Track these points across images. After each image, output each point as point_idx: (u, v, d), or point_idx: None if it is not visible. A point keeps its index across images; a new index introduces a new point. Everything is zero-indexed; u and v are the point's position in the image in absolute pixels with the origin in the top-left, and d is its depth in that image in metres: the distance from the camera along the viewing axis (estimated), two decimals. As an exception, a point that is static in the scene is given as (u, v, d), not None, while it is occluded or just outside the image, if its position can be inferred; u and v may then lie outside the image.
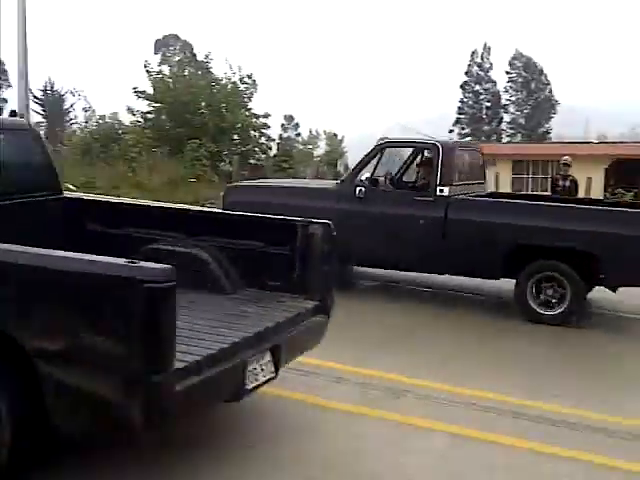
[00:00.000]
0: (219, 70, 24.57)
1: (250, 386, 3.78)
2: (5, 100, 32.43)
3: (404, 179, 8.55)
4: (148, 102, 21.94)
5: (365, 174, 7.97)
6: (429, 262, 7.70)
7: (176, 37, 66.72)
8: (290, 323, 4.13)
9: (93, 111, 29.89)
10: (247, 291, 4.58)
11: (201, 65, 27.00)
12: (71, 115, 58.05)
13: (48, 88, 59.93)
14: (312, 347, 4.47)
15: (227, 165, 22.41)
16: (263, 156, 24.28)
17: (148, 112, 22.13)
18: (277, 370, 4.01)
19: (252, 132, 23.87)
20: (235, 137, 23.18)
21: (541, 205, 7.87)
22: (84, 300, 3.14)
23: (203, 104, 20.68)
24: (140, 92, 21.78)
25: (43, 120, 56.40)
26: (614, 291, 7.41)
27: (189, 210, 5.76)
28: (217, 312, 4.10)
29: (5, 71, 54.92)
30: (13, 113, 18.43)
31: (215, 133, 21.21)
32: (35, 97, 54.54)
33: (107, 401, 3.19)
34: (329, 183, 8.90)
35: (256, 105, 23.59)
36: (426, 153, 8.17)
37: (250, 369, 3.76)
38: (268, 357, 3.95)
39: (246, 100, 23.48)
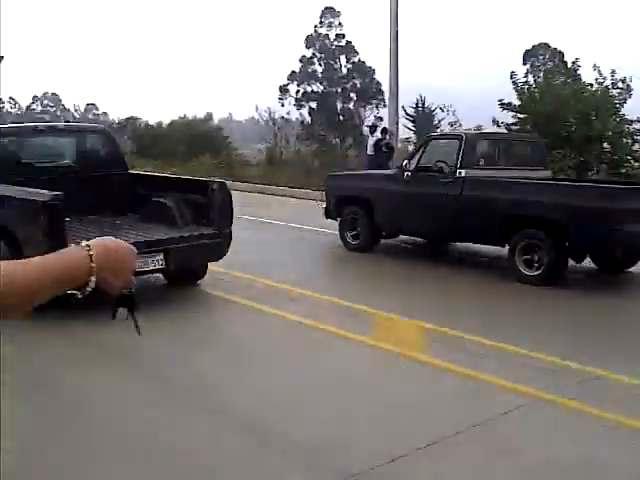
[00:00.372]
0: (589, 76, 23.71)
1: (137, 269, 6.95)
2: (381, 118, 35.76)
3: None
4: (513, 114, 22.23)
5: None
6: (450, 231, 9.67)
7: (546, 46, 67.39)
8: (180, 239, 7.20)
9: (460, 125, 31.61)
10: (191, 226, 7.70)
11: (569, 73, 25.89)
12: (439, 130, 61.86)
13: (419, 105, 65.13)
14: (210, 257, 7.46)
15: (595, 175, 21.83)
16: (637, 164, 22.58)
17: (512, 124, 22.29)
18: (168, 264, 7.10)
19: (624, 139, 21.90)
20: (605, 145, 21.83)
21: (522, 182, 9.23)
22: (20, 209, 6.72)
23: (571, 113, 20.54)
24: (506, 104, 22.04)
25: (412, 135, 62.02)
26: (578, 261, 8.76)
27: (169, 177, 9.08)
28: (140, 233, 7.33)
29: (381, 91, 61.96)
30: (384, 130, 21.41)
31: (582, 142, 20.63)
32: (407, 114, 59.94)
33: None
34: (393, 171, 11.15)
35: (630, 110, 22.19)
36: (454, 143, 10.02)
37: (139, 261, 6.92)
38: (160, 256, 7.07)
39: (618, 106, 21.93)
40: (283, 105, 62.68)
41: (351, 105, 64.41)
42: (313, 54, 63.19)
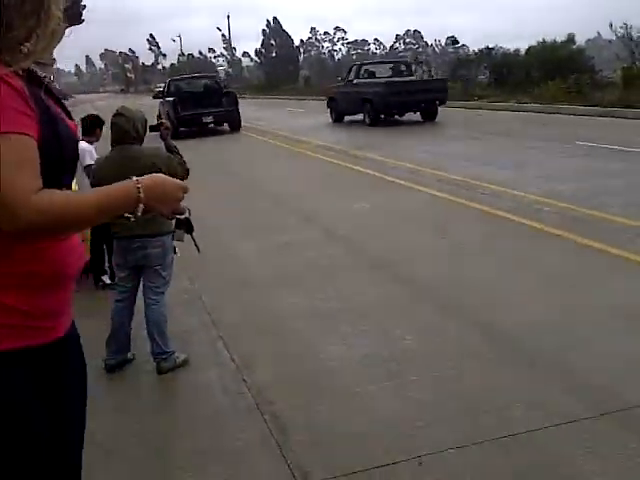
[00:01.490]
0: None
1: (204, 121, 24.00)
2: None
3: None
4: None
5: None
6: (355, 110, 24.10)
7: None
8: (218, 110, 23.81)
9: None
10: (227, 106, 24.30)
11: None
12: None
13: None
14: (230, 119, 24.01)
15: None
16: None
17: None
18: (214, 120, 24.06)
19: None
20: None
21: (364, 83, 23.10)
22: (169, 104, 24.26)
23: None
24: None
25: None
26: (400, 116, 23.23)
27: (228, 92, 25.62)
28: (207, 110, 23.99)
29: None
30: None
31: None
32: None
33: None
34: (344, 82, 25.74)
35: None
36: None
37: (204, 119, 23.92)
38: (211, 117, 23.95)
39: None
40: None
41: None
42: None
